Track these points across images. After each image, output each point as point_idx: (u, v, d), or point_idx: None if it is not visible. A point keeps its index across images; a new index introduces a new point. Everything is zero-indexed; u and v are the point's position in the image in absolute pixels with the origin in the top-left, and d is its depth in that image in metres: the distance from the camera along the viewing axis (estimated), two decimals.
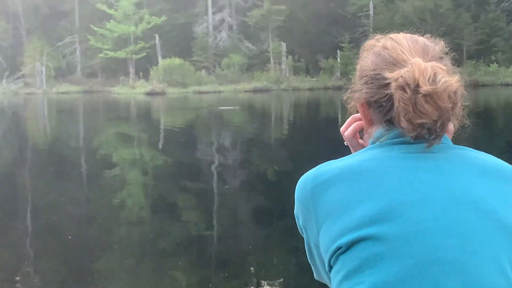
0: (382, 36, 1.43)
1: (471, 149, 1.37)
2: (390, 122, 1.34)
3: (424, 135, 1.28)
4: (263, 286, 5.10)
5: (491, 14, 51.97)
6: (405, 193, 1.25)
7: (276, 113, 28.99)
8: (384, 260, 1.21)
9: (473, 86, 43.99)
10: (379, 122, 1.38)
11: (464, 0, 52.77)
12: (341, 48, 51.89)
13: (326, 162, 1.36)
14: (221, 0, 61.00)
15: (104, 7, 58.92)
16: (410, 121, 1.25)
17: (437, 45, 1.42)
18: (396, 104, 1.27)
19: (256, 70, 54.45)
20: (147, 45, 59.03)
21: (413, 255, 1.20)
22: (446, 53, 1.43)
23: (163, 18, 58.45)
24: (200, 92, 48.99)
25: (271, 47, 55.80)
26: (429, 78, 1.24)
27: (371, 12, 54.38)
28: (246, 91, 48.68)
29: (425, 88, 1.23)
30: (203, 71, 55.36)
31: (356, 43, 52.38)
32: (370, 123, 1.41)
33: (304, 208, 1.35)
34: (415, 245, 1.21)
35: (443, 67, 1.28)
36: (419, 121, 1.25)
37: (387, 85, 1.30)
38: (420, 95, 1.23)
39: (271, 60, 55.56)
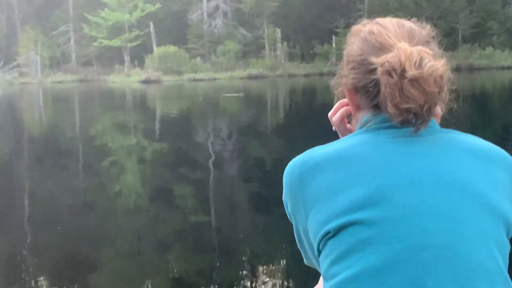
0: (369, 21, 1.41)
1: (459, 132, 1.37)
2: (377, 107, 1.33)
3: (410, 119, 1.27)
4: (260, 274, 5.11)
5: None
6: (393, 178, 1.25)
7: (280, 99, 28.96)
8: (373, 245, 1.21)
9: (469, 69, 44.02)
10: (366, 107, 1.36)
11: None
12: (336, 34, 51.72)
13: (313, 148, 1.36)
14: None
15: None
16: (396, 106, 1.25)
17: (424, 29, 1.39)
18: (382, 89, 1.26)
19: (251, 57, 54.34)
20: (142, 33, 58.81)
21: (402, 239, 1.20)
22: (433, 37, 1.40)
23: (157, 5, 58.22)
24: (195, 80, 48.89)
25: (266, 34, 55.66)
26: (415, 62, 1.23)
27: None
28: (241, 78, 48.58)
29: (411, 72, 1.22)
30: (198, 58, 55.22)
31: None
32: (358, 108, 1.40)
33: (292, 194, 1.34)
34: (403, 229, 1.21)
35: (429, 51, 1.27)
36: (406, 106, 1.24)
37: (374, 70, 1.29)
38: (406, 80, 1.23)
39: (266, 46, 55.45)
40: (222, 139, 14.85)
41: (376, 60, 1.28)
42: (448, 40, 49.18)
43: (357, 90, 1.36)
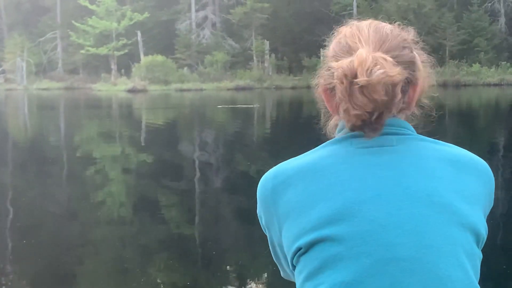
0: (354, 22, 1.40)
1: (433, 140, 1.35)
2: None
3: (360, 126, 1.26)
4: (246, 285, 5.09)
5: (474, 14, 52.27)
6: (360, 191, 1.25)
7: (267, 111, 28.94)
8: (342, 260, 1.21)
9: (456, 86, 44.28)
10: (336, 111, 1.35)
11: (447, 0, 53.03)
12: (324, 47, 51.27)
13: (286, 161, 1.35)
14: None
15: (86, 3, 58.50)
16: (346, 111, 1.24)
17: (405, 34, 1.37)
18: (336, 94, 1.26)
19: (239, 68, 54.34)
20: (129, 41, 58.68)
21: (370, 254, 1.20)
22: (417, 42, 1.40)
23: (146, 14, 58.18)
24: (182, 90, 48.76)
25: (254, 45, 55.71)
26: (367, 69, 1.21)
27: (354, 11, 54.47)
28: (228, 89, 48.55)
29: (360, 79, 1.21)
30: (185, 68, 55.13)
31: None
32: (335, 111, 1.36)
33: (266, 208, 1.35)
34: (371, 244, 1.21)
35: (389, 59, 1.24)
36: (354, 112, 1.23)
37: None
38: (355, 86, 1.21)
39: (254, 58, 55.48)
40: (208, 150, 14.76)
41: (333, 64, 1.27)
42: (436, 56, 49.28)
43: (329, 92, 1.34)
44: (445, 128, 18.39)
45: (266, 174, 1.37)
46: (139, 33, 58.81)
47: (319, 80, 1.38)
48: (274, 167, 1.36)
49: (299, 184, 1.29)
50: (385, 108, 1.24)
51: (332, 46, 1.37)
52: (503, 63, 48.38)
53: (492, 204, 1.36)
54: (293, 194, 1.29)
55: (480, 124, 19.89)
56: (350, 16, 54.40)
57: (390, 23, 1.42)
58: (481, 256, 1.29)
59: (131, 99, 40.07)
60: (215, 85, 50.26)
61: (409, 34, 1.39)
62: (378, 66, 1.21)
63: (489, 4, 54.18)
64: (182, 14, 60.98)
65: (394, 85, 1.23)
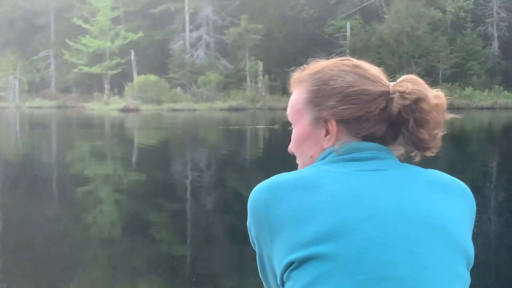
0: (321, 60, 1.48)
1: (418, 167, 1.40)
2: (365, 138, 1.38)
3: (436, 145, 1.37)
4: None
5: (467, 37, 52.65)
6: (356, 210, 1.26)
7: (260, 132, 28.92)
8: (336, 277, 1.21)
9: (448, 109, 44.36)
10: (346, 138, 1.39)
11: (440, 23, 53.44)
12: None
13: (280, 174, 1.36)
14: (199, 17, 61.03)
15: (80, 22, 58.68)
16: (428, 131, 1.34)
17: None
18: (410, 117, 1.33)
19: (232, 89, 54.46)
20: (123, 61, 58.80)
21: (364, 272, 1.21)
22: None
23: (140, 34, 58.37)
24: (174, 110, 48.75)
25: (248, 66, 55.89)
26: (432, 92, 1.34)
27: (348, 33, 54.77)
28: (221, 110, 48.58)
29: (435, 101, 1.33)
30: (178, 88, 55.22)
31: None
32: (336, 139, 1.40)
33: (257, 219, 1.34)
34: (365, 262, 1.22)
35: None
36: (436, 131, 1.34)
37: (376, 99, 1.35)
38: (432, 107, 1.33)
39: (248, 78, 55.64)
40: (200, 170, 14.68)
41: (399, 88, 1.35)
42: (429, 79, 49.54)
43: (351, 120, 1.37)
44: (439, 151, 18.36)
45: (258, 185, 1.36)
46: (132, 52, 58.94)
47: (332, 112, 1.39)
48: (268, 179, 1.36)
49: (293, 198, 1.29)
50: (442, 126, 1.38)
51: (344, 78, 1.39)
52: (496, 86, 48.71)
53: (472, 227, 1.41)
54: (287, 207, 1.29)
55: (473, 148, 19.89)
56: (344, 38, 54.84)
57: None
58: (469, 280, 1.31)
59: (124, 118, 40.03)
60: (208, 105, 50.31)
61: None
62: (435, 89, 1.37)
63: (483, 28, 54.64)
64: (176, 34, 61.21)
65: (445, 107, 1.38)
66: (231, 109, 48.71)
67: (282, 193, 1.31)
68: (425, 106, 1.32)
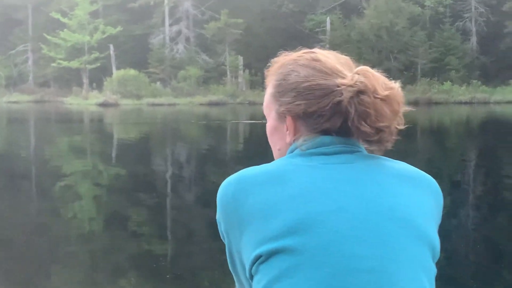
0: (292, 52, 1.48)
1: (386, 158, 1.40)
2: (324, 131, 1.37)
3: (382, 138, 1.33)
4: None
5: (446, 32, 52.99)
6: (323, 203, 1.27)
7: (241, 127, 28.90)
8: (302, 271, 1.22)
9: (427, 103, 44.73)
10: (306, 133, 1.39)
11: (419, 19, 53.69)
12: None
13: (248, 168, 1.37)
14: (178, 12, 60.76)
15: (58, 16, 58.09)
16: (370, 124, 1.30)
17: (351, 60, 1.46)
18: (352, 109, 1.30)
19: (212, 83, 54.30)
20: (102, 55, 58.36)
21: (331, 265, 1.22)
22: None
23: (119, 28, 57.97)
24: (154, 104, 48.54)
25: (228, 61, 55.79)
26: (382, 84, 1.31)
27: (328, 28, 54.86)
28: (201, 104, 48.46)
29: (383, 93, 1.30)
30: (158, 83, 54.95)
31: None
32: (295, 135, 1.41)
33: (226, 213, 1.35)
34: (333, 255, 1.22)
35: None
36: (379, 124, 1.30)
37: (332, 93, 1.33)
38: (378, 99, 1.29)
39: (228, 73, 55.54)
40: (181, 165, 14.64)
41: (342, 81, 1.32)
42: (408, 74, 49.99)
43: (305, 115, 1.38)
44: (416, 145, 18.49)
45: (227, 179, 1.37)
46: (111, 47, 58.55)
47: (288, 107, 1.41)
48: (236, 173, 1.37)
49: (261, 192, 1.30)
50: (398, 119, 1.34)
51: (301, 72, 1.39)
52: (474, 81, 49.10)
53: (440, 221, 1.41)
54: (255, 201, 1.30)
55: (451, 142, 20.04)
56: (324, 33, 54.93)
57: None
58: (435, 271, 1.33)
59: (103, 113, 39.79)
60: (188, 100, 50.13)
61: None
62: (390, 82, 1.33)
63: (461, 23, 55.03)
64: (156, 28, 60.88)
65: (402, 98, 1.35)
66: (211, 104, 48.59)
67: (250, 187, 1.32)
68: (366, 98, 1.30)
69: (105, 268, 6.08)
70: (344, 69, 1.37)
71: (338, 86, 1.33)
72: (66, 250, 6.76)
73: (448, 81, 48.83)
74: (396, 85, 1.34)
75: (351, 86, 1.30)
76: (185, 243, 7.01)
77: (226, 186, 1.36)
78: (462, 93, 47.36)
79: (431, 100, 46.06)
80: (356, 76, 1.32)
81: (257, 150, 17.57)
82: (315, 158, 1.35)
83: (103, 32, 58.24)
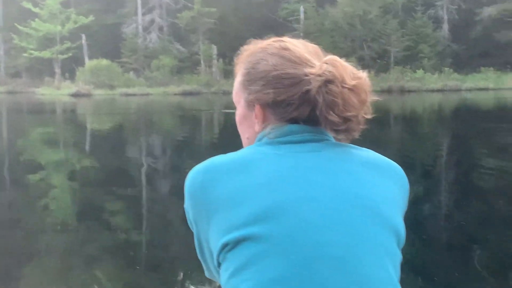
0: (261, 41, 1.48)
1: (354, 146, 1.42)
2: (292, 120, 1.38)
3: (349, 127, 1.34)
4: None
5: (418, 21, 53.34)
6: (290, 192, 1.28)
7: (215, 116, 28.82)
8: (270, 258, 1.23)
9: (400, 91, 45.02)
10: (274, 121, 1.41)
11: (392, 7, 53.95)
12: None
13: (216, 156, 1.38)
14: (151, 1, 60.31)
15: (30, 6, 57.33)
16: (338, 114, 1.31)
17: (320, 49, 1.47)
18: (320, 98, 1.32)
19: (186, 73, 54.08)
20: (74, 45, 57.74)
21: (297, 252, 1.23)
22: None
23: (91, 18, 57.35)
24: (127, 95, 48.21)
25: (202, 50, 55.55)
26: (350, 73, 1.32)
27: (301, 16, 54.87)
28: (175, 94, 48.23)
29: (350, 82, 1.30)
30: (131, 73, 54.56)
31: None
32: (263, 124, 1.43)
33: (195, 201, 1.36)
34: (299, 242, 1.24)
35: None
36: (347, 113, 1.31)
37: (300, 82, 1.34)
38: (346, 89, 1.30)
39: (202, 63, 55.31)
40: (155, 155, 14.58)
41: (310, 70, 1.33)
42: (381, 62, 50.22)
43: (274, 104, 1.39)
44: (390, 133, 18.63)
45: (195, 168, 1.39)
46: (83, 37, 57.96)
47: (257, 96, 1.42)
48: (204, 162, 1.38)
49: (229, 180, 1.31)
50: (366, 108, 1.35)
51: (270, 61, 1.40)
52: (446, 69, 49.53)
53: (406, 208, 1.43)
54: (223, 189, 1.31)
55: (423, 129, 20.22)
56: (298, 21, 54.90)
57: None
58: (401, 257, 1.35)
59: (75, 103, 39.43)
60: (161, 89, 49.88)
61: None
62: (358, 71, 1.33)
63: (433, 11, 55.39)
64: (128, 17, 60.38)
65: (369, 87, 1.35)
66: (185, 94, 48.39)
67: (218, 176, 1.33)
68: (333, 88, 1.31)
69: (80, 259, 6.03)
70: (313, 58, 1.38)
71: (307, 75, 1.34)
72: (40, 241, 6.70)
73: (421, 69, 49.24)
74: (363, 74, 1.34)
75: (319, 75, 1.32)
76: (161, 234, 6.99)
77: (194, 175, 1.37)
78: (434, 81, 47.78)
79: (404, 88, 46.39)
80: (325, 66, 1.33)
81: (232, 140, 17.55)
82: (283, 147, 1.36)
83: (75, 22, 57.61)
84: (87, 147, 16.31)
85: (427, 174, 10.70)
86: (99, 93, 48.72)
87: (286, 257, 1.23)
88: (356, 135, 1.38)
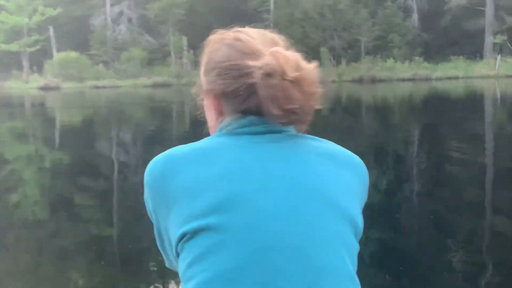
0: (225, 31, 1.48)
1: (314, 137, 1.43)
2: (244, 112, 1.38)
3: (294, 120, 1.33)
4: (167, 284, 4.97)
5: (388, 10, 53.69)
6: (249, 182, 1.30)
7: (187, 108, 28.68)
8: (226, 248, 1.24)
9: (371, 81, 45.29)
10: (231, 112, 1.41)
11: None
12: None
13: (176, 147, 1.39)
14: None
15: None
16: (280, 107, 1.30)
17: (282, 39, 1.46)
18: (261, 92, 1.31)
19: (156, 65, 53.78)
20: (42, 37, 57.04)
21: (254, 242, 1.24)
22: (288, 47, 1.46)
23: (58, 9, 56.71)
24: (97, 87, 47.79)
25: (172, 41, 55.25)
26: (293, 65, 1.29)
27: (271, 7, 54.84)
28: (145, 86, 47.93)
29: (292, 74, 1.28)
30: (100, 65, 54.10)
31: None
32: (221, 114, 1.44)
33: (154, 191, 1.36)
34: (256, 232, 1.25)
35: (301, 56, 1.33)
36: (289, 106, 1.29)
37: (246, 74, 1.34)
38: (287, 82, 1.28)
39: (172, 54, 55.03)
40: (126, 148, 14.48)
41: (253, 63, 1.32)
42: (352, 52, 50.45)
43: (223, 95, 1.40)
44: (362, 122, 18.73)
45: (155, 158, 1.39)
46: (51, 29, 57.29)
47: (211, 86, 1.43)
48: (164, 152, 1.39)
49: (188, 170, 1.32)
50: (315, 100, 1.33)
51: (223, 51, 1.42)
52: (416, 58, 49.92)
53: (366, 199, 1.45)
54: (182, 179, 1.32)
55: (394, 119, 20.38)
56: (268, 12, 54.83)
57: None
58: (358, 247, 1.37)
59: (44, 97, 38.98)
60: (131, 82, 49.57)
61: (282, 39, 1.46)
62: (303, 62, 1.30)
63: (402, 1, 55.76)
64: (97, 9, 59.80)
65: (316, 78, 1.32)
66: (155, 86, 48.12)
67: (177, 166, 1.34)
68: (273, 81, 1.29)
69: (51, 254, 5.97)
70: (267, 50, 1.35)
71: (250, 68, 1.34)
72: (10, 236, 6.62)
73: (391, 58, 49.57)
74: (308, 65, 1.32)
75: (259, 68, 1.30)
76: (132, 226, 6.94)
77: (154, 165, 1.38)
78: (404, 70, 48.15)
79: (375, 77, 46.67)
80: (267, 58, 1.31)
81: (204, 131, 17.50)
82: (243, 137, 1.37)
83: (42, 14, 56.91)
84: (56, 141, 16.14)
85: (397, 162, 10.78)
86: (68, 86, 48.24)
87: (242, 247, 1.24)
88: (304, 128, 1.37)
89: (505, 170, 9.74)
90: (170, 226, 1.34)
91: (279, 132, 1.38)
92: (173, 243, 1.33)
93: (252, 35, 1.42)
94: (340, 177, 1.37)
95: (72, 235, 6.62)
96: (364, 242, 5.43)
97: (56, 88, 47.49)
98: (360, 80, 45.56)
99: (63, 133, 17.86)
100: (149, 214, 1.43)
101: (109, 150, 14.07)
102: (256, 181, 1.30)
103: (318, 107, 1.36)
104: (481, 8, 53.33)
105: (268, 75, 1.29)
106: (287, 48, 1.39)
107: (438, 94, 33.05)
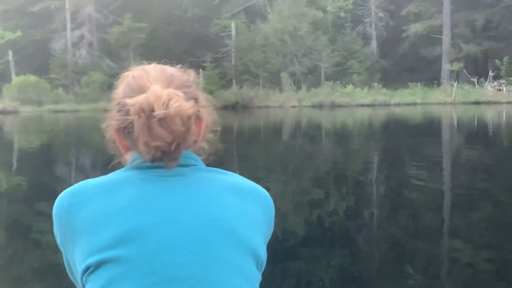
0: (139, 66, 1.54)
1: (221, 170, 1.46)
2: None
3: (160, 157, 1.36)
4: None
5: (347, 37, 54.50)
6: (151, 214, 1.32)
7: None
8: (128, 280, 1.26)
9: (331, 106, 45.69)
10: (133, 147, 1.43)
11: (321, 23, 54.86)
12: (204, 68, 52.09)
13: (83, 181, 1.42)
14: (80, 16, 59.40)
15: None
16: (146, 144, 1.33)
17: (187, 75, 1.49)
18: (135, 128, 1.35)
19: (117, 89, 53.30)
20: (0, 61, 56.16)
21: (154, 273, 1.27)
22: (197, 83, 1.51)
23: (18, 33, 56.01)
24: (56, 111, 47.18)
25: (132, 65, 54.73)
26: (163, 103, 1.31)
27: (233, 32, 55.13)
28: (105, 110, 47.27)
29: (158, 112, 1.30)
30: (60, 89, 53.47)
31: (219, 63, 52.83)
32: (126, 149, 1.48)
33: (61, 226, 1.39)
34: (156, 264, 1.28)
35: (181, 94, 1.34)
36: (154, 143, 1.32)
37: (128, 111, 1.37)
38: (154, 119, 1.31)
39: None
40: (85, 172, 14.30)
41: (129, 101, 1.36)
42: (312, 78, 50.91)
43: (122, 130, 1.44)
44: (322, 148, 18.85)
45: (62, 193, 1.42)
46: (10, 52, 56.51)
47: (111, 122, 1.46)
48: (71, 187, 1.42)
49: (94, 204, 1.35)
50: (183, 138, 1.33)
51: (121, 88, 1.46)
52: (375, 84, 50.63)
53: (272, 230, 1.49)
54: (87, 213, 1.34)
55: (354, 143, 20.56)
56: (229, 37, 55.11)
57: (172, 66, 1.54)
58: (260, 278, 1.40)
59: (2, 121, 38.31)
60: (91, 106, 49.04)
61: (190, 75, 1.50)
62: (174, 100, 1.31)
63: (362, 28, 56.67)
64: (57, 33, 59.28)
65: (188, 117, 1.33)
66: None
67: (83, 199, 1.36)
68: (140, 119, 1.33)
69: (7, 281, 5.84)
70: (155, 85, 1.38)
71: (128, 105, 1.37)
72: None
73: (351, 84, 50.18)
74: (183, 104, 1.32)
75: (133, 105, 1.34)
76: None
77: (61, 200, 1.41)
78: (364, 95, 48.75)
79: (335, 103, 47.11)
80: (142, 96, 1.34)
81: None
82: (149, 171, 1.39)
83: (2, 37, 56.15)
84: (14, 166, 15.86)
85: (356, 187, 10.86)
86: (26, 110, 47.52)
87: (143, 278, 1.27)
88: (173, 164, 1.38)
89: (461, 194, 9.89)
90: (76, 259, 1.36)
91: (188, 165, 1.41)
92: (79, 276, 1.36)
93: (149, 72, 1.46)
94: (244, 210, 1.39)
95: (29, 261, 6.50)
96: (324, 267, 5.47)
97: (14, 112, 46.75)
98: (320, 105, 45.95)
99: (21, 158, 17.58)
100: (59, 246, 1.45)
101: (67, 175, 13.88)
102: (159, 213, 1.32)
103: (202, 143, 1.45)
104: (439, 36, 54.54)
105: (137, 113, 1.32)
106: (186, 86, 1.43)
107: (396, 119, 33.52)
